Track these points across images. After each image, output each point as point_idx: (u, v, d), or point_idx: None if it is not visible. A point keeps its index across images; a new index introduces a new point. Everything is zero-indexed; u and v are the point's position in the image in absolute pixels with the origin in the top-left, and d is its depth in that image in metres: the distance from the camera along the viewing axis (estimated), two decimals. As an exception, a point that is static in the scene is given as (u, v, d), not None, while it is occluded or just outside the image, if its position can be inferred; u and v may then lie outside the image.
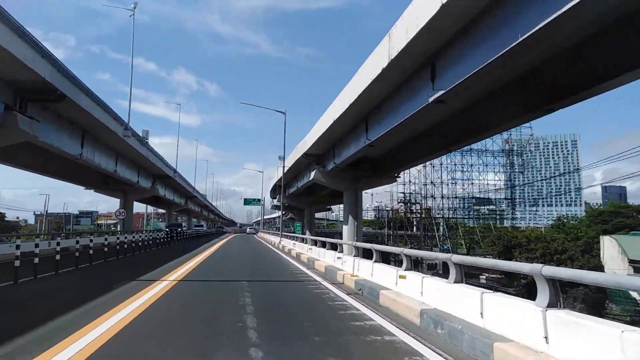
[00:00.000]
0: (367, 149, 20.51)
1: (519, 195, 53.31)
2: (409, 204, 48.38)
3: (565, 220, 67.14)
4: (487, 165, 50.98)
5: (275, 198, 58.82)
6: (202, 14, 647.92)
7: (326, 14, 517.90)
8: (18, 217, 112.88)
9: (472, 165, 50.80)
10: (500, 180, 51.57)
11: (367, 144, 19.48)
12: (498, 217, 52.52)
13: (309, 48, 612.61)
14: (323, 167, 29.45)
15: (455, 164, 50.47)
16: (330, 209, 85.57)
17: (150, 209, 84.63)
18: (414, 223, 75.43)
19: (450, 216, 52.23)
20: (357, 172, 29.20)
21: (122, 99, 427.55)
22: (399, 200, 48.53)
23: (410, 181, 49.53)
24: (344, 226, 30.07)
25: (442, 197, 49.93)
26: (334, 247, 14.70)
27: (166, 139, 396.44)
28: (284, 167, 29.51)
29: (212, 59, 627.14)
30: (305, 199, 49.94)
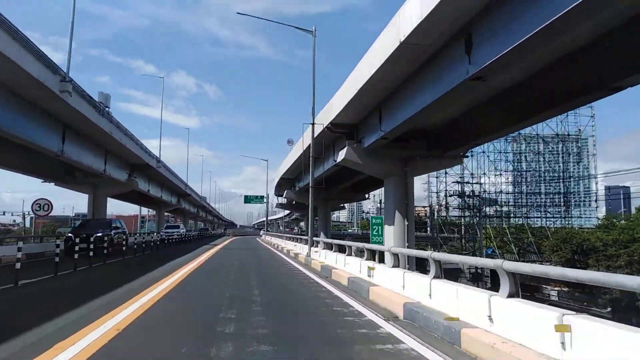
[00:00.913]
0: (465, 88, 11.54)
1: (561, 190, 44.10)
2: (463, 197, 38.94)
3: (614, 220, 58.23)
4: (538, 153, 41.99)
5: (282, 195, 49.96)
6: (201, 17, 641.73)
7: (325, 18, 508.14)
8: (15, 220, 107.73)
9: (520, 153, 41.85)
10: (552, 171, 42.46)
11: (471, 77, 10.56)
12: (548, 216, 43.38)
13: (308, 51, 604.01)
14: (358, 143, 20.57)
15: (499, 152, 41.53)
16: (343, 207, 76.33)
17: (146, 211, 75.02)
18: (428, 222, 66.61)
19: (494, 213, 43.25)
20: (406, 149, 20.43)
21: (123, 102, 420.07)
22: (450, 194, 39.39)
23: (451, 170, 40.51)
24: (386, 227, 21.19)
25: (484, 192, 40.96)
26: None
27: (166, 142, 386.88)
28: (313, 123, 18.61)
29: (211, 61, 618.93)
30: (318, 194, 41.08)
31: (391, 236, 20.00)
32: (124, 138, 27.26)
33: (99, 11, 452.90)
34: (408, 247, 19.57)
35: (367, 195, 42.56)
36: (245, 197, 52.60)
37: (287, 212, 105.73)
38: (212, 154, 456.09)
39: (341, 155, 20.96)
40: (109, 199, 36.55)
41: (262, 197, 53.30)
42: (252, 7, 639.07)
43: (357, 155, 20.40)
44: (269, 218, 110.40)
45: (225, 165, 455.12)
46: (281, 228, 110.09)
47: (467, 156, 22.22)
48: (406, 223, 19.92)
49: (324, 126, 21.38)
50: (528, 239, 39.60)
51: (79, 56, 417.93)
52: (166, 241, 31.25)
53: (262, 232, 78.37)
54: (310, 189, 17.76)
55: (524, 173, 42.50)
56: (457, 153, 21.10)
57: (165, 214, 74.98)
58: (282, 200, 56.61)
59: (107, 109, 22.79)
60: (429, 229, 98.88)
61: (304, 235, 40.06)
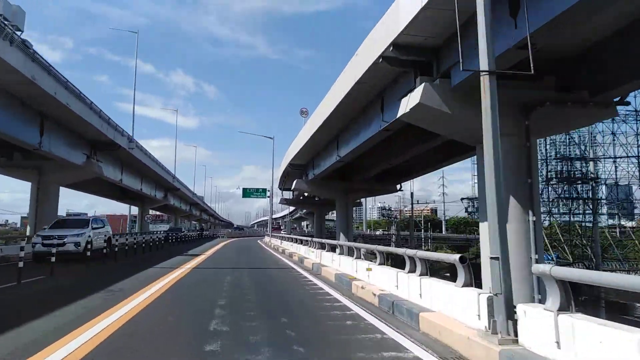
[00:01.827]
0: None
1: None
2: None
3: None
4: (613, 133, 33.21)
5: (289, 188, 41.20)
6: (199, 17, 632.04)
7: (323, 17, 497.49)
8: (7, 220, 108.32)
9: (603, 135, 32.98)
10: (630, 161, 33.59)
11: None
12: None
13: (307, 50, 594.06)
14: (443, 78, 11.83)
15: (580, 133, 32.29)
16: (360, 204, 67.01)
17: (136, 210, 64.70)
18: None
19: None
20: (526, 90, 11.80)
21: (122, 101, 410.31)
22: (550, 175, 30.27)
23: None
24: (483, 226, 12.38)
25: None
26: None
27: (165, 142, 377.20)
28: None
29: (210, 60, 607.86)
30: (337, 184, 32.38)
31: (513, 240, 11.18)
32: (64, 94, 18.41)
33: (98, 10, 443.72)
34: (537, 261, 10.89)
35: (399, 186, 33.90)
36: (244, 190, 43.86)
37: (290, 210, 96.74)
38: (211, 154, 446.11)
39: (411, 101, 12.14)
40: (96, 197, 28.05)
41: (263, 190, 44.62)
42: (252, 6, 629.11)
43: (441, 99, 11.64)
44: (269, 217, 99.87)
45: (224, 165, 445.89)
46: (282, 228, 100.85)
47: (628, 103, 13.39)
48: (532, 219, 11.21)
49: (379, 55, 12.63)
50: (608, 242, 30.96)
51: (77, 55, 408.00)
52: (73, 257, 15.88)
53: (264, 233, 63.59)
54: (482, 76, 5.67)
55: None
56: (609, 98, 12.32)
57: (153, 212, 66.13)
58: (288, 194, 47.90)
59: (18, 33, 13.95)
60: (444, 228, 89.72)
61: (323, 238, 30.68)
